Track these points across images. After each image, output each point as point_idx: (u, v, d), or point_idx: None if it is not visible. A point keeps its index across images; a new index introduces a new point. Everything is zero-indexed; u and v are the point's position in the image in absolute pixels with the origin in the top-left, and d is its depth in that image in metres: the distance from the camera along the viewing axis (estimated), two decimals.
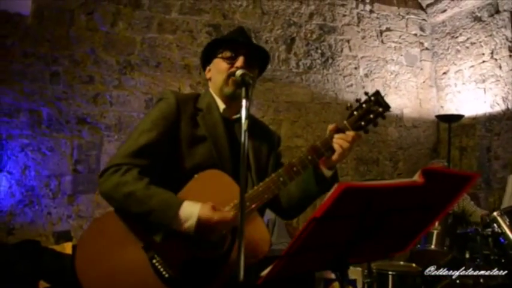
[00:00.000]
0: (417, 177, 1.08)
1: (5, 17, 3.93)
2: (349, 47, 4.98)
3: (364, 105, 1.55)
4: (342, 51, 4.95)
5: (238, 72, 1.53)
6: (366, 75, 4.97)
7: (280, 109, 4.66)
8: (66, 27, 4.11)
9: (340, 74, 4.86)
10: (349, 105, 1.59)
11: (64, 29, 4.10)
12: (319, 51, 4.87)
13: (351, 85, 4.94)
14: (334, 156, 1.54)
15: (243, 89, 1.43)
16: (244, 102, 1.35)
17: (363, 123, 1.55)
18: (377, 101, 1.55)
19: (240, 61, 1.60)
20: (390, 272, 3.35)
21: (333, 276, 4.24)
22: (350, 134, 1.52)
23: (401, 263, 3.76)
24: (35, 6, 4.03)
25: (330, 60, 4.90)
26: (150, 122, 1.57)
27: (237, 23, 4.59)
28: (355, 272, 4.11)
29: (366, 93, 1.58)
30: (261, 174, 1.62)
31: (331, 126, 1.56)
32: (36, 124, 3.94)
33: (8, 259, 3.25)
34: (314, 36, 4.87)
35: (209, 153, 1.58)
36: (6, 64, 3.91)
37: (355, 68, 4.95)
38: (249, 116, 1.33)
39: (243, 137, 1.29)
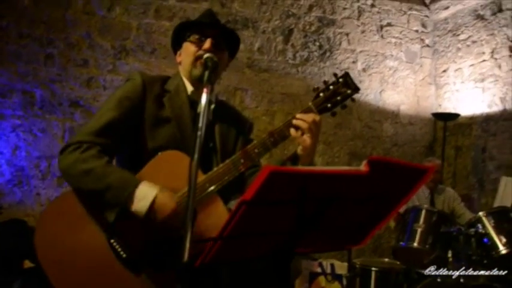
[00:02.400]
0: (362, 166, 1.06)
1: None
2: (348, 41, 4.92)
3: (331, 87, 1.52)
4: (340, 44, 4.89)
5: (204, 56, 1.55)
6: (364, 70, 4.90)
7: (275, 100, 4.63)
8: (63, 10, 4.11)
9: (338, 68, 4.80)
10: (316, 87, 1.56)
11: (60, 11, 4.11)
12: (317, 43, 4.82)
13: None
14: (294, 134, 1.49)
15: (206, 73, 1.45)
16: (205, 87, 1.36)
17: (329, 105, 1.52)
18: (345, 83, 1.52)
19: (207, 43, 1.57)
20: (373, 268, 3.34)
21: (319, 270, 4.24)
22: (310, 115, 1.48)
23: (386, 259, 3.76)
24: None
25: (328, 53, 4.85)
26: (113, 101, 1.57)
27: (234, 12, 4.56)
28: (341, 267, 4.11)
29: (335, 75, 1.56)
30: (227, 158, 1.59)
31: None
32: (28, 105, 3.96)
33: None
34: (313, 28, 4.82)
35: (172, 135, 1.57)
36: (1, 45, 3.93)
37: (353, 62, 4.89)
38: (209, 100, 1.33)
39: (200, 120, 1.28)
